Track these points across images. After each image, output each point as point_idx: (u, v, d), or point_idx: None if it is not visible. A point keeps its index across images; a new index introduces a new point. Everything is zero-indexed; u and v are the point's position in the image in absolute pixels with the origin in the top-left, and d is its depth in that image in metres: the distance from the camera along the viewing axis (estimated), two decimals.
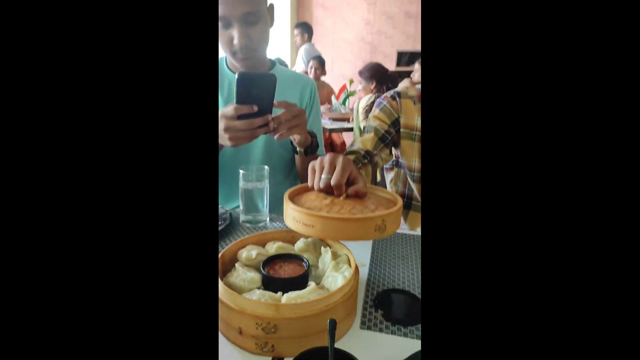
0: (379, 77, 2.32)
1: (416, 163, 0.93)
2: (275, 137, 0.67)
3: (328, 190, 0.57)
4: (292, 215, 0.51)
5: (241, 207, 0.74)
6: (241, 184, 0.71)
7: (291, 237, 0.57)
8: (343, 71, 4.75)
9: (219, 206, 0.79)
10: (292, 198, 0.55)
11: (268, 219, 0.76)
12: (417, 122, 0.90)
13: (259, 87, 0.62)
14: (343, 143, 3.05)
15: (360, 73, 2.40)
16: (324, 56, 3.32)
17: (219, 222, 0.72)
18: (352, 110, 2.80)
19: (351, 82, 3.57)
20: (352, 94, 3.46)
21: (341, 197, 0.56)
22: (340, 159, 0.58)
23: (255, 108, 0.62)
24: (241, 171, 0.71)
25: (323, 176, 0.57)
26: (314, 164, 0.60)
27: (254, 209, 0.74)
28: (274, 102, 0.64)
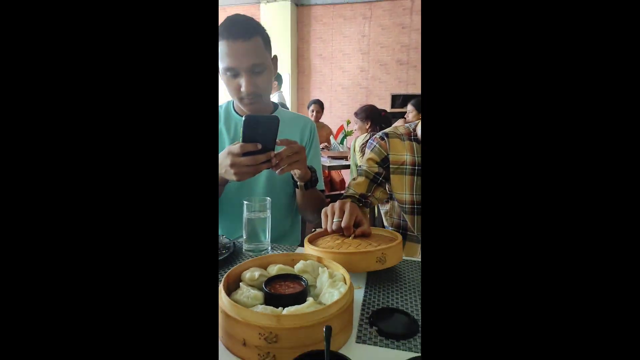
0: (373, 118, 2.46)
1: (407, 196, 0.99)
2: (277, 172, 0.74)
3: (339, 231, 0.71)
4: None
5: (244, 237, 0.79)
6: (245, 214, 0.77)
7: (291, 260, 0.61)
8: (340, 113, 4.99)
9: (224, 236, 0.84)
10: (311, 241, 0.71)
11: (269, 248, 0.81)
12: (405, 157, 0.98)
13: (263, 128, 0.70)
14: (342, 180, 3.13)
15: (356, 114, 2.55)
16: (322, 100, 3.52)
17: (224, 251, 0.76)
18: (349, 148, 2.92)
19: (348, 122, 3.74)
20: (349, 133, 3.62)
21: (350, 237, 0.70)
22: (347, 205, 0.72)
23: (259, 146, 0.70)
24: (245, 202, 0.77)
25: (335, 220, 0.71)
26: (326, 210, 0.74)
27: (256, 238, 0.79)
28: (277, 140, 0.72)
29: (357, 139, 2.49)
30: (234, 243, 0.80)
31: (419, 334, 0.49)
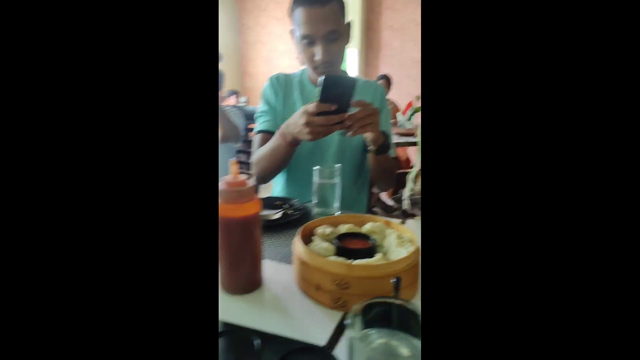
0: None
1: None
2: (349, 134, 0.75)
3: None
4: None
5: (315, 201, 0.84)
6: (315, 179, 0.81)
7: (360, 221, 0.64)
8: (410, 89, 4.76)
9: (297, 200, 0.90)
10: None
11: (339, 212, 0.85)
12: None
13: (341, 88, 0.70)
14: (408, 159, 3.04)
15: None
16: (391, 75, 3.40)
17: (296, 212, 0.82)
18: (417, 126, 2.80)
19: (418, 98, 3.56)
20: (417, 110, 3.45)
21: None
22: None
23: (335, 107, 0.71)
24: (316, 168, 0.81)
25: None
26: None
27: (326, 203, 0.83)
28: (351, 101, 0.73)
29: None
30: (305, 206, 0.86)
31: None
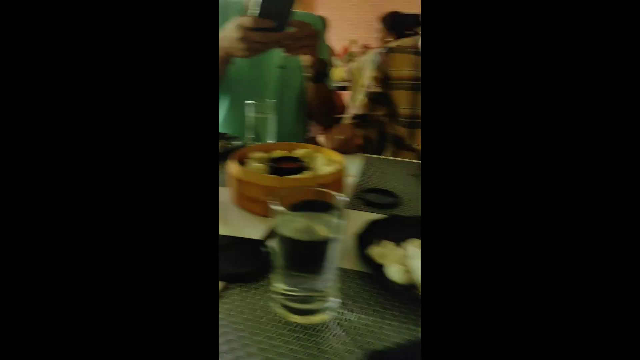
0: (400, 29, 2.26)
1: (406, 110, 1.03)
2: (287, 53, 0.72)
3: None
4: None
5: (250, 136, 0.86)
6: (249, 114, 0.83)
7: (291, 148, 0.69)
8: (346, 33, 4.69)
9: (230, 133, 0.91)
10: None
11: None
12: (409, 72, 1.00)
13: (280, 5, 0.65)
14: (343, 105, 3.11)
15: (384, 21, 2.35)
16: (327, 17, 3.30)
17: (229, 144, 0.84)
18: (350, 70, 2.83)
19: (353, 42, 3.57)
20: (352, 55, 3.47)
21: None
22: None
23: (273, 23, 0.66)
24: (249, 102, 0.82)
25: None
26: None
27: (259, 137, 0.86)
28: (290, 20, 0.68)
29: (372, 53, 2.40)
30: (244, 144, 0.88)
31: (398, 206, 0.61)
